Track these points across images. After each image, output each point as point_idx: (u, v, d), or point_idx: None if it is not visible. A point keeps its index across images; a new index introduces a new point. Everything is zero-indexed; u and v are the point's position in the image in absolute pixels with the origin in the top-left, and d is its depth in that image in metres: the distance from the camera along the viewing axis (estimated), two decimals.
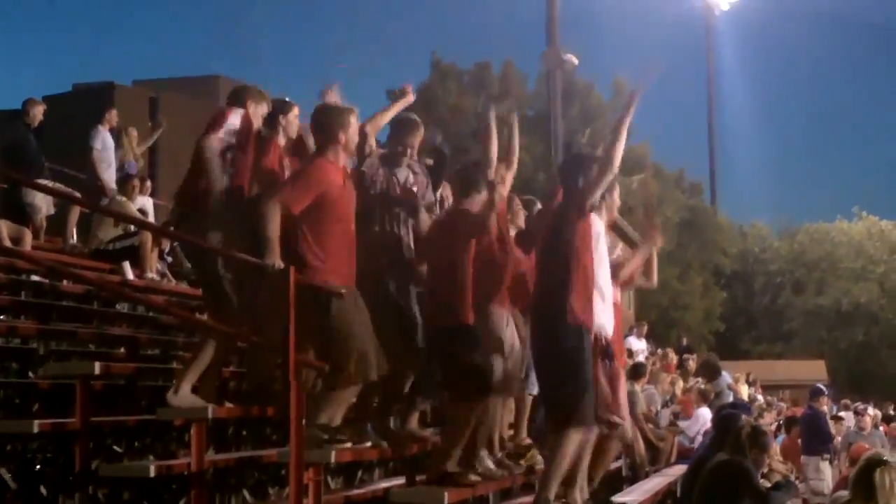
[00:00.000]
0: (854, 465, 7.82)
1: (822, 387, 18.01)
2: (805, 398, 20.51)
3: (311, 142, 6.93)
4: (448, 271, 6.81)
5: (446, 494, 6.29)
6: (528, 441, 8.13)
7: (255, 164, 6.74)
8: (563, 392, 6.63)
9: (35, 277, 9.86)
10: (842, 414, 20.31)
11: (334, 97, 7.06)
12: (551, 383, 6.81)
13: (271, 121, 7.02)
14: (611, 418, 7.19)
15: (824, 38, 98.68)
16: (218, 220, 6.39)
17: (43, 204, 11.77)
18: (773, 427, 18.69)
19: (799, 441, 16.07)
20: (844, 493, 7.14)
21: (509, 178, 7.66)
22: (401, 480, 7.54)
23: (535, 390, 7.73)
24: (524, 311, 7.48)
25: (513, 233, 7.71)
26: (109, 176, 12.77)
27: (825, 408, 17.53)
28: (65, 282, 9.81)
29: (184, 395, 6.29)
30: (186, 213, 6.67)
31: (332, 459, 6.05)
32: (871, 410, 20.67)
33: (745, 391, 21.89)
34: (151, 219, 13.49)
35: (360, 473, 8.06)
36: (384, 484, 7.57)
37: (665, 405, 15.87)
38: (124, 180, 12.61)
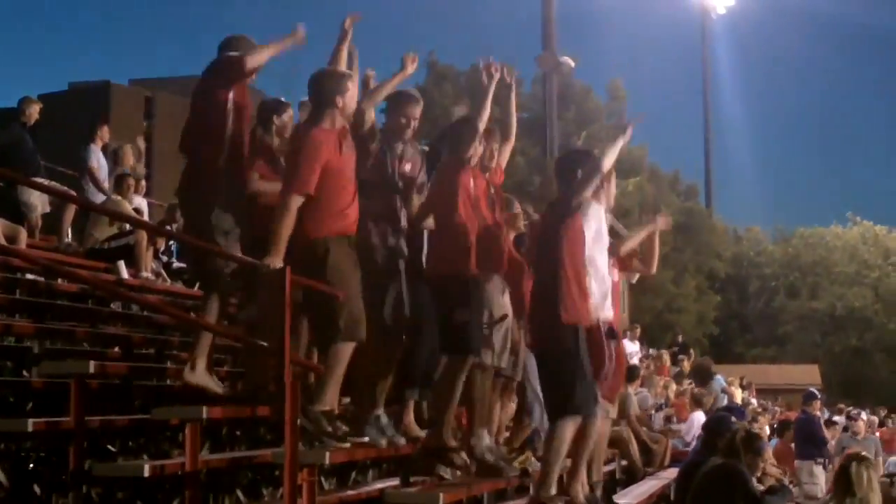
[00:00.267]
0: None
1: (815, 391, 18.00)
2: (799, 402, 20.51)
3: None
4: (447, 222, 6.87)
5: (441, 496, 6.29)
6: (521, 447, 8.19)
7: (248, 163, 6.77)
8: (560, 387, 6.85)
9: (30, 276, 9.85)
10: (836, 418, 20.32)
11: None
12: (549, 381, 7.03)
13: (265, 121, 7.01)
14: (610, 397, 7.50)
15: (821, 42, 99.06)
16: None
17: (38, 202, 11.75)
18: (767, 431, 18.71)
19: (792, 445, 16.07)
20: None
21: (507, 150, 7.68)
22: (395, 481, 7.54)
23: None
24: (522, 312, 7.54)
25: (512, 236, 7.76)
26: (101, 198, 12.74)
27: (819, 412, 17.54)
28: (60, 281, 9.80)
29: (200, 372, 6.41)
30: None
31: (327, 461, 6.04)
32: (864, 415, 20.69)
33: (738, 395, 21.92)
34: (146, 218, 13.47)
35: (353, 474, 8.05)
36: (379, 485, 7.56)
37: (658, 408, 15.90)
38: (120, 179, 12.58)
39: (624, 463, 11.55)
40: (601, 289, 7.13)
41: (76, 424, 6.05)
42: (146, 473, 5.82)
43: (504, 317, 7.33)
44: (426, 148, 7.75)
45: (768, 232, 58.18)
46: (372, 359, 6.63)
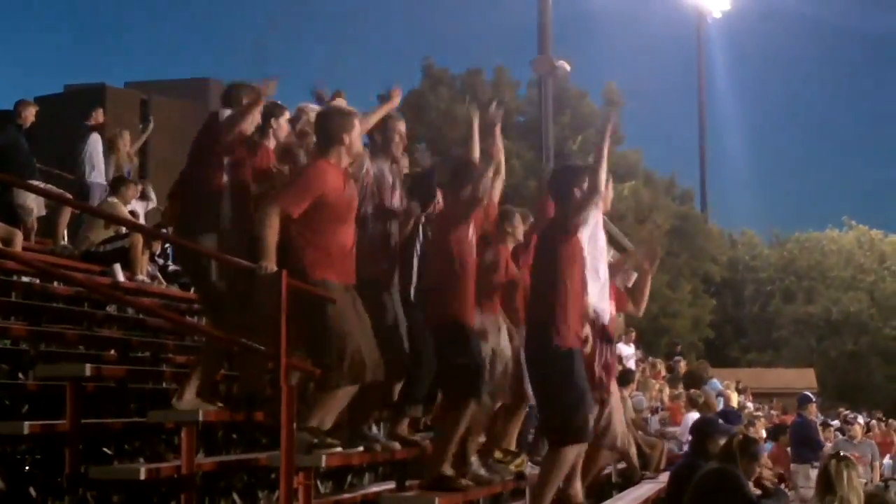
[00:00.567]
0: None
1: (810, 395, 18.02)
2: (794, 407, 20.52)
3: (298, 150, 6.97)
4: (444, 266, 6.84)
5: (437, 499, 6.28)
6: (517, 449, 8.15)
7: (247, 167, 6.76)
8: (555, 412, 6.81)
9: (25, 279, 9.84)
10: (831, 422, 20.35)
11: (341, 101, 7.09)
12: (543, 405, 6.99)
13: (262, 124, 7.01)
14: (603, 395, 7.46)
15: (816, 47, 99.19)
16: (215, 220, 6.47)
17: (34, 205, 11.75)
18: (764, 435, 18.72)
19: (788, 449, 16.09)
20: None
21: (498, 185, 7.70)
22: (391, 485, 7.54)
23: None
24: (518, 322, 7.53)
25: (511, 246, 7.73)
26: (94, 178, 12.76)
27: (814, 416, 17.55)
28: (55, 283, 9.78)
29: (187, 401, 6.35)
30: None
31: (323, 464, 6.04)
32: (860, 419, 20.68)
33: (734, 399, 21.94)
34: (142, 221, 13.46)
35: (349, 478, 8.04)
36: (374, 488, 7.57)
37: (654, 412, 15.91)
38: (119, 182, 12.57)
39: (620, 466, 11.53)
40: (597, 289, 7.10)
41: (72, 427, 6.05)
42: (142, 476, 5.83)
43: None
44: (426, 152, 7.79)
45: (763, 236, 58.28)
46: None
